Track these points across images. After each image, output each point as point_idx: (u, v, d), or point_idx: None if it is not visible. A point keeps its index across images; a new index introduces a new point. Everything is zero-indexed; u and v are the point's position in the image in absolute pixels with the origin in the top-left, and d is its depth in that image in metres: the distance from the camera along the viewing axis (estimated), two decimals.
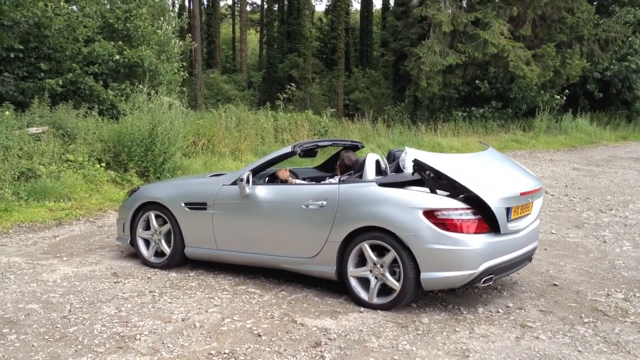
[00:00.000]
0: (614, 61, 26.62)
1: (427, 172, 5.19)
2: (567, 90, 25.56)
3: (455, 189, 5.11)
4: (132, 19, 14.58)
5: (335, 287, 5.73)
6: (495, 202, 5.00)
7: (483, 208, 5.08)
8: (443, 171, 5.06)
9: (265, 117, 16.44)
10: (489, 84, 24.14)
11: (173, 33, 16.45)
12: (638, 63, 26.97)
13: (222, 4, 47.38)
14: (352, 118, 21.44)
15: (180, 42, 16.92)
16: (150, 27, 15.22)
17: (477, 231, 5.06)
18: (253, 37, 52.07)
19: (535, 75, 22.48)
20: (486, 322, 5.08)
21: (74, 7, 14.84)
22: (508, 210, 5.18)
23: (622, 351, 4.52)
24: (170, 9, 17.07)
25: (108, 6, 15.02)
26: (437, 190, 5.24)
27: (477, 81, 24.14)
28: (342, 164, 6.28)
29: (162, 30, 15.66)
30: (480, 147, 6.25)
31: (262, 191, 5.97)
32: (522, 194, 5.33)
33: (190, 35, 19.93)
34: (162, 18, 16.12)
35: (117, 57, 13.87)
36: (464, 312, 5.31)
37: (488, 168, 5.68)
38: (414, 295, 5.24)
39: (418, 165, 5.22)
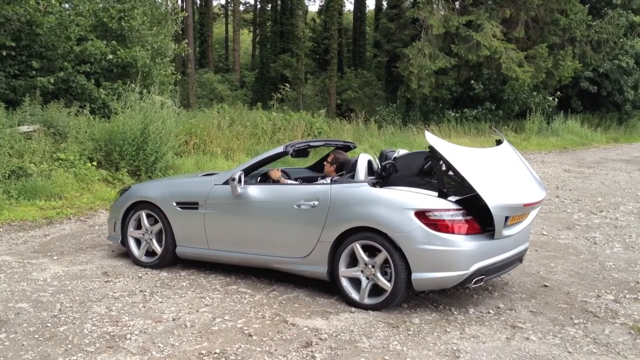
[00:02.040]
0: (605, 60, 26.71)
1: (440, 161, 5.20)
2: (559, 92, 25.65)
3: (461, 185, 5.11)
4: (126, 18, 14.51)
5: (326, 287, 5.73)
6: (497, 210, 5.00)
7: (477, 208, 5.09)
8: (455, 165, 5.06)
9: (266, 118, 16.43)
10: (482, 85, 24.18)
11: (168, 37, 16.38)
12: (628, 62, 27.09)
13: (214, 3, 47.29)
14: (344, 118, 21.43)
15: (175, 45, 16.85)
16: (146, 28, 15.14)
17: (469, 232, 5.07)
18: (246, 37, 51.96)
19: (528, 77, 22.55)
20: (477, 322, 5.09)
21: (67, 5, 14.76)
22: (506, 218, 5.18)
23: (612, 352, 4.54)
24: (172, 16, 16.89)
25: (101, 5, 14.92)
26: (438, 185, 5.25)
27: (472, 82, 24.16)
28: (339, 162, 6.23)
29: (160, 38, 15.57)
30: (497, 140, 6.20)
31: (254, 191, 5.97)
32: (525, 205, 5.31)
33: (185, 40, 19.86)
34: (163, 28, 16.06)
35: (110, 56, 13.81)
36: (455, 312, 5.32)
37: (499, 169, 5.60)
38: (405, 295, 5.25)
39: (432, 153, 5.22)
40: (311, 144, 6.73)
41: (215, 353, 4.37)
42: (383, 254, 5.17)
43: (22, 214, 8.84)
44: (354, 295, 5.37)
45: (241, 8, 46.38)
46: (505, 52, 22.39)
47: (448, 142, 5.41)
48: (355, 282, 5.40)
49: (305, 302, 5.50)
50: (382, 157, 6.24)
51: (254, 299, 5.58)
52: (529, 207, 5.41)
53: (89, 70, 13.63)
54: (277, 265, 5.85)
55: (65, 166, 10.50)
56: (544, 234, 8.34)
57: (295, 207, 5.64)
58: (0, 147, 9.72)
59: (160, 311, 5.21)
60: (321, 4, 44.62)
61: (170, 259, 6.48)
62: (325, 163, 6.37)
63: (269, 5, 42.76)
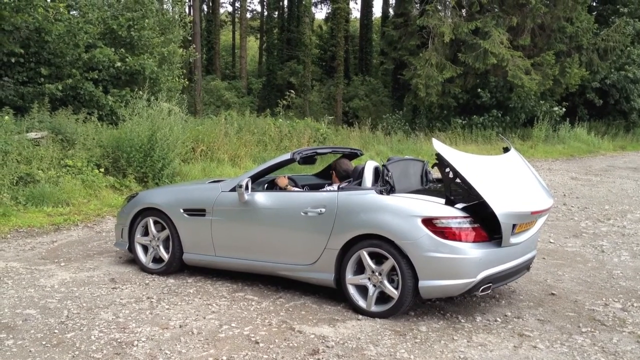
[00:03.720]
0: (612, 70, 26.65)
1: (446, 168, 5.20)
2: (565, 102, 25.59)
3: (468, 192, 5.11)
4: (136, 27, 14.57)
5: (333, 294, 5.73)
6: (505, 218, 5.00)
7: (485, 215, 5.09)
8: (462, 172, 5.06)
9: (274, 125, 16.47)
10: (489, 93, 24.13)
11: (176, 44, 16.45)
12: (635, 72, 27.01)
13: (222, 10, 47.49)
14: (351, 125, 21.44)
15: (182, 51, 16.92)
16: (157, 39, 15.21)
17: (476, 240, 5.07)
18: (253, 44, 52.10)
19: (534, 85, 22.50)
20: (484, 330, 5.08)
21: (75, 13, 14.84)
22: (514, 225, 5.17)
23: None
24: (179, 22, 16.99)
25: (109, 13, 14.99)
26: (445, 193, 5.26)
27: (479, 90, 24.11)
28: (340, 172, 6.26)
29: (168, 48, 15.64)
30: (503, 147, 6.20)
31: (261, 198, 5.97)
32: (532, 213, 5.30)
33: (194, 46, 19.95)
34: (170, 34, 16.14)
35: (119, 64, 13.88)
36: (462, 320, 5.31)
37: (506, 176, 5.59)
38: (412, 303, 5.24)
39: (439, 160, 5.23)
40: (318, 151, 6.74)
41: None
42: (390, 262, 5.17)
43: (29, 220, 8.88)
44: (361, 302, 5.37)
45: (248, 15, 46.56)
46: (512, 60, 22.35)
47: (455, 150, 5.41)
48: (362, 290, 5.40)
49: (312, 310, 5.50)
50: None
51: (261, 306, 5.58)
52: (536, 214, 5.40)
53: (97, 77, 13.69)
54: (283, 272, 5.85)
55: (73, 173, 10.54)
56: (551, 242, 8.31)
57: (302, 214, 5.65)
58: (9, 153, 9.76)
59: (167, 318, 5.22)
60: (328, 11, 44.74)
61: (177, 266, 6.49)
62: (331, 171, 6.41)
63: (276, 13, 42.86)
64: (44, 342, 4.66)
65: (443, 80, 22.90)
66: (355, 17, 49.14)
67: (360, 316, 5.31)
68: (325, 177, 7.00)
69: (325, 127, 18.31)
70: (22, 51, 12.78)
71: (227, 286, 6.14)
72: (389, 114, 26.45)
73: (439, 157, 5.22)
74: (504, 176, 5.56)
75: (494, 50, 21.99)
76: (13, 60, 12.74)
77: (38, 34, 13.06)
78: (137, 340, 4.71)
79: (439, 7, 23.78)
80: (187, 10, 37.42)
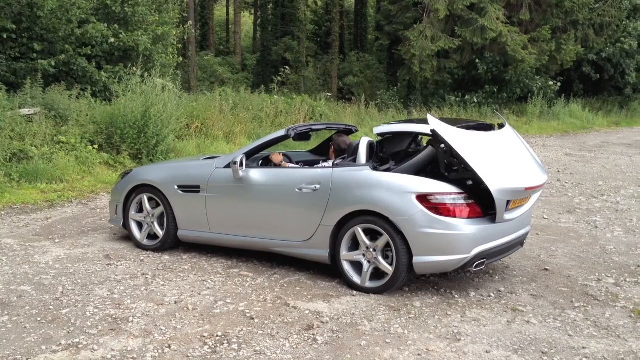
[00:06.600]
0: (608, 44, 26.51)
1: (441, 144, 5.19)
2: (561, 77, 25.49)
3: (463, 168, 5.11)
4: (130, 3, 14.40)
5: (328, 270, 5.75)
6: (499, 194, 5.01)
7: (479, 192, 5.10)
8: (457, 148, 5.05)
9: (270, 102, 16.38)
10: (485, 67, 23.97)
11: (171, 24, 16.28)
12: (631, 45, 26.88)
13: None
14: (346, 101, 21.33)
15: (177, 30, 16.74)
16: (151, 17, 15.04)
17: (470, 216, 5.08)
18: (247, 20, 51.64)
19: (533, 59, 22.40)
20: (478, 306, 5.11)
21: None
22: (508, 201, 5.18)
23: (612, 335, 4.56)
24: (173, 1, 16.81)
25: None
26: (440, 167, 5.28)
27: (477, 60, 23.87)
28: (338, 148, 6.26)
29: (163, 28, 15.46)
30: (499, 123, 6.19)
31: (256, 174, 5.97)
32: (526, 189, 5.32)
33: (190, 22, 19.74)
34: (165, 15, 15.96)
35: (112, 40, 13.74)
36: (456, 296, 5.34)
37: (500, 152, 5.57)
38: (406, 279, 5.27)
39: (434, 136, 5.22)
40: (313, 127, 6.72)
41: (217, 336, 4.40)
42: (384, 238, 5.18)
43: (23, 197, 8.85)
44: (356, 278, 5.39)
45: None
46: (509, 35, 22.22)
47: (450, 126, 5.39)
48: (357, 266, 5.42)
49: (307, 286, 5.52)
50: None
51: (256, 282, 5.60)
52: (530, 190, 5.42)
53: (90, 53, 13.55)
54: (278, 248, 5.86)
55: (67, 149, 10.49)
56: (545, 218, 8.34)
57: (297, 190, 5.64)
58: (2, 130, 9.70)
59: (163, 294, 5.24)
60: None
61: (172, 242, 6.49)
62: (330, 144, 6.41)
63: None
64: (39, 319, 4.67)
65: (438, 50, 22.67)
66: None
67: (354, 292, 5.34)
68: (320, 153, 6.98)
69: (323, 104, 18.22)
70: (14, 27, 12.62)
71: (222, 263, 6.16)
72: (384, 90, 26.33)
73: (433, 133, 5.21)
74: (498, 152, 5.55)
75: (492, 25, 21.84)
76: (5, 36, 12.59)
77: (30, 9, 12.90)
78: (132, 317, 4.72)
79: None
80: None
